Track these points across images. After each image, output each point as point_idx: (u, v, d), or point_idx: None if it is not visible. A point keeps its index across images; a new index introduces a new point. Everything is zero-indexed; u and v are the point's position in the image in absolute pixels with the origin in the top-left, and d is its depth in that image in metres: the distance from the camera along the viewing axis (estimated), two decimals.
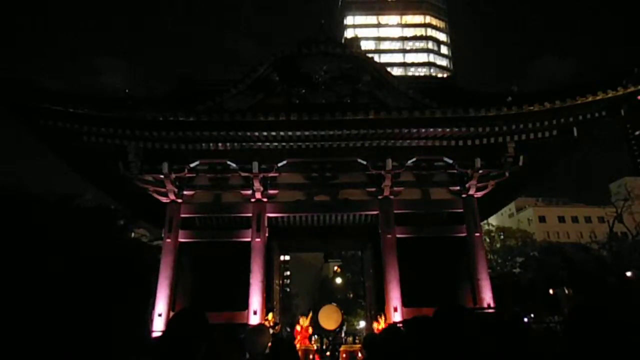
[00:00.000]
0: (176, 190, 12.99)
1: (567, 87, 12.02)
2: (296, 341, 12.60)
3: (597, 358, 1.94)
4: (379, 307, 12.74)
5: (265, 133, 11.57)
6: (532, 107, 11.32)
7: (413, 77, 70.92)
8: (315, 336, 14.84)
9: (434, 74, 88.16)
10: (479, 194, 13.34)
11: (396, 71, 74.81)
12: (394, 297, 12.07)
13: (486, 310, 11.69)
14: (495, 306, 12.15)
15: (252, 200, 13.15)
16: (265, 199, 13.19)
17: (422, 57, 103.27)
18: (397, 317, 11.76)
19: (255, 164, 12.41)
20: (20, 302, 10.50)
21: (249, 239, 12.81)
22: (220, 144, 11.94)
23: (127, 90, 12.93)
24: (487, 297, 12.10)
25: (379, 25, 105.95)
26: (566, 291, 25.15)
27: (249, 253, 12.58)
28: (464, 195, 13.31)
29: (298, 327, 13.34)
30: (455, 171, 13.27)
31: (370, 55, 14.96)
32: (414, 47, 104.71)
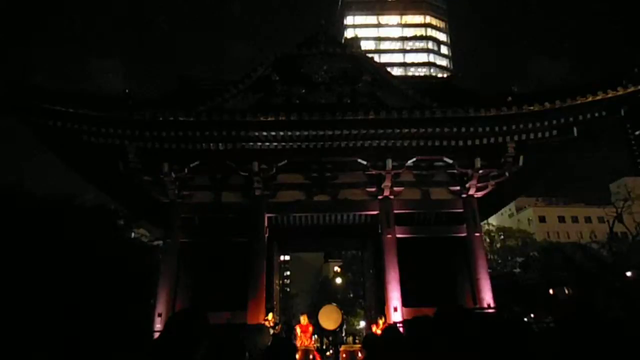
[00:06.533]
0: (176, 190, 12.97)
1: (567, 87, 12.02)
2: (296, 341, 12.58)
3: (587, 355, 1.94)
4: (379, 307, 12.75)
5: (265, 133, 11.56)
6: (532, 107, 11.32)
7: (413, 77, 70.97)
8: (315, 336, 14.79)
9: (434, 74, 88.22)
10: (479, 194, 13.33)
11: (396, 71, 74.80)
12: (394, 297, 12.05)
13: (486, 310, 11.69)
14: (495, 306, 12.15)
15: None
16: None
17: (422, 57, 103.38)
18: (397, 317, 11.73)
19: (255, 164, 12.40)
20: (21, 302, 10.50)
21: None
22: (220, 144, 11.92)
23: (127, 90, 12.95)
24: (487, 297, 12.09)
25: (379, 25, 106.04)
26: (566, 291, 25.11)
27: (248, 253, 12.58)
28: (464, 195, 13.30)
29: (298, 327, 13.33)
30: (455, 171, 13.26)
31: (370, 55, 14.96)
32: (414, 47, 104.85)
